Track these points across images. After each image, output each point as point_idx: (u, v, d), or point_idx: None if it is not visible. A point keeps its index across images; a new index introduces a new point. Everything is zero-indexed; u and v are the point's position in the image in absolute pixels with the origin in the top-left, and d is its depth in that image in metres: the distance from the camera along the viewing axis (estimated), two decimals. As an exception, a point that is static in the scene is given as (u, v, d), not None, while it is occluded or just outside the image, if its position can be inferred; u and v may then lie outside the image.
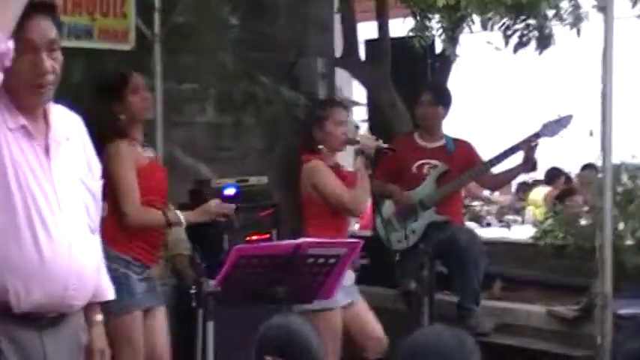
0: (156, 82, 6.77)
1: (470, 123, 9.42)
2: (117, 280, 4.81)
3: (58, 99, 3.28)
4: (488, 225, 9.17)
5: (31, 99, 3.12)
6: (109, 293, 3.47)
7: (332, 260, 4.58)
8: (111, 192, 4.70)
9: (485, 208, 8.99)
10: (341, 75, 8.32)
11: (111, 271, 4.84)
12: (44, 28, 3.08)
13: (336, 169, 5.61)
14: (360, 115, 8.28)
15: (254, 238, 6.66)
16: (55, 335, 3.12)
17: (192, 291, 4.27)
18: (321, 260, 4.56)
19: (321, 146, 5.54)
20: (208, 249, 5.77)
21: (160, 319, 5.14)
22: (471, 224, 8.38)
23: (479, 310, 6.46)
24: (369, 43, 8.25)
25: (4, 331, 3.03)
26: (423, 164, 6.58)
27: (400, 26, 7.71)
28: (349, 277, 5.56)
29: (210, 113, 7.89)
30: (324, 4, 8.34)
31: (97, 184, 3.33)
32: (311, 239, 4.65)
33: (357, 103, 8.24)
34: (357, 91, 8.43)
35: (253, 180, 6.96)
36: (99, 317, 3.39)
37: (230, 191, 6.75)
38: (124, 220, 4.82)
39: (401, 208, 6.54)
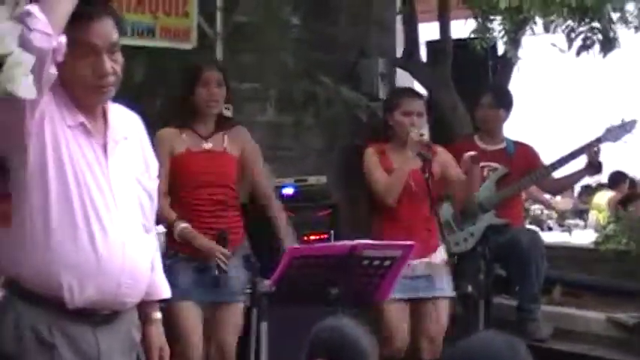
0: (216, 80, 6.79)
1: (531, 126, 9.32)
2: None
3: (120, 97, 3.30)
4: (550, 229, 9.08)
5: (91, 98, 3.15)
6: (165, 291, 3.46)
7: (387, 262, 4.55)
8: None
9: (546, 211, 8.89)
10: (402, 76, 8.28)
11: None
12: (106, 30, 3.10)
13: (384, 153, 5.57)
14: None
15: (312, 238, 6.68)
16: (108, 332, 3.14)
17: (247, 291, 4.26)
18: (376, 262, 4.54)
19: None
20: (266, 248, 5.78)
21: (232, 314, 5.11)
22: (531, 228, 8.29)
23: (539, 313, 6.39)
24: (430, 44, 8.21)
25: (58, 325, 3.05)
26: (482, 167, 6.49)
27: (462, 27, 7.65)
28: (445, 270, 5.49)
29: (270, 113, 7.90)
30: (386, 5, 8.31)
31: (154, 184, 3.35)
32: (366, 241, 4.63)
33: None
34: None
35: (312, 180, 6.97)
36: (156, 315, 3.40)
37: (288, 191, 6.78)
38: None
39: (460, 211, 6.48)
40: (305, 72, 7.75)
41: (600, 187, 11.35)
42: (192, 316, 4.98)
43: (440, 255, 5.50)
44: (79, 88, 3.10)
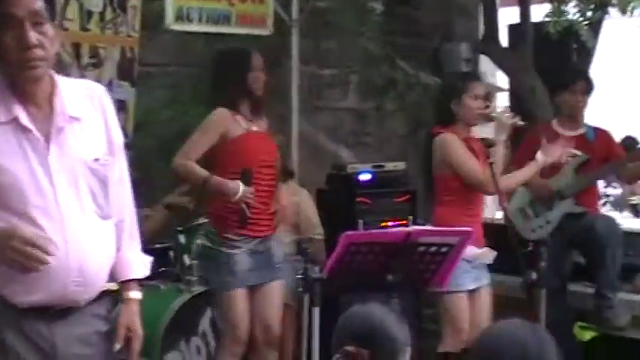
0: (292, 66, 6.83)
1: (608, 112, 9.05)
2: (218, 258, 5.07)
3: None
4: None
5: (23, 78, 2.93)
6: (139, 270, 3.26)
7: (444, 249, 4.51)
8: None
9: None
10: (486, 60, 8.18)
11: (213, 250, 5.02)
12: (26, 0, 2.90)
13: (468, 140, 5.49)
14: (503, 101, 8.13)
15: (389, 224, 6.65)
16: (65, 326, 3.01)
17: (299, 276, 4.28)
18: (432, 249, 4.49)
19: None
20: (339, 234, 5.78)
21: (275, 292, 5.24)
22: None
23: (617, 300, 6.26)
24: (511, 27, 8.09)
25: (11, 323, 2.96)
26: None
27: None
28: (489, 255, 5.42)
29: (351, 98, 7.91)
30: (468, -11, 8.25)
31: (112, 165, 3.12)
32: (422, 227, 4.60)
33: (501, 89, 8.08)
34: (502, 77, 8.25)
35: (390, 166, 6.94)
36: (131, 294, 3.23)
37: (365, 177, 6.76)
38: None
39: (538, 197, 6.38)
40: (386, 57, 7.72)
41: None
42: (241, 301, 5.11)
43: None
44: (10, 68, 2.91)
